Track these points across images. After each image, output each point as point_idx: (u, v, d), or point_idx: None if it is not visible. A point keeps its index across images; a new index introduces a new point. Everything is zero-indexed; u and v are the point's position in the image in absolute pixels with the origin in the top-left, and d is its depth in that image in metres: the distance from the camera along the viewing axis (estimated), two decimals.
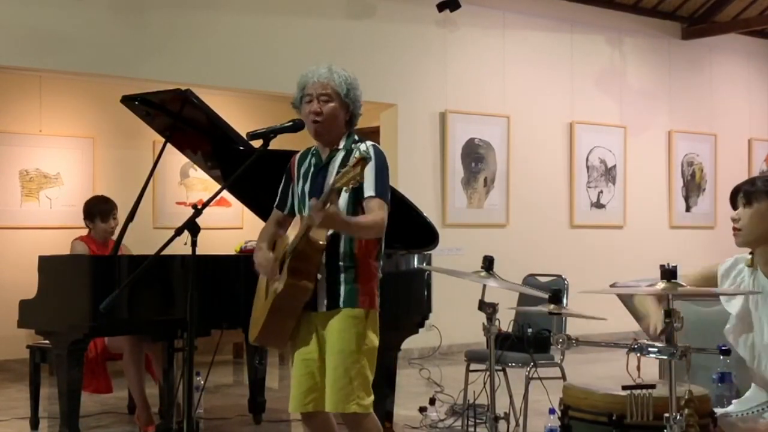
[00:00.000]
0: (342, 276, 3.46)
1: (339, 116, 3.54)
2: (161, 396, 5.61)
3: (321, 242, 3.42)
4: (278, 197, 3.77)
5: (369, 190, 3.42)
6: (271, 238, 3.70)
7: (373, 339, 3.50)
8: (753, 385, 3.24)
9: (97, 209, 5.88)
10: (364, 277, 3.48)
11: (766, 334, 3.13)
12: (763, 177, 3.25)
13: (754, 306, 3.17)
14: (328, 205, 3.19)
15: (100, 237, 5.89)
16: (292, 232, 3.56)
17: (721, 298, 3.27)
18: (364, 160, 3.09)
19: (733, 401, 3.23)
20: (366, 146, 3.46)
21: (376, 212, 3.41)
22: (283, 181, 3.77)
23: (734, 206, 3.24)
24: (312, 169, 3.61)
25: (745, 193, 3.19)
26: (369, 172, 3.37)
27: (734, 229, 3.21)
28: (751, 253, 3.24)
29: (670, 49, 11.55)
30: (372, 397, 3.50)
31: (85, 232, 6.02)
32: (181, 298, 4.79)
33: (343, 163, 3.43)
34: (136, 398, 5.61)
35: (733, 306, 3.23)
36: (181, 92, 4.82)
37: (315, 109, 3.52)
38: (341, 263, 3.46)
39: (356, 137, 3.60)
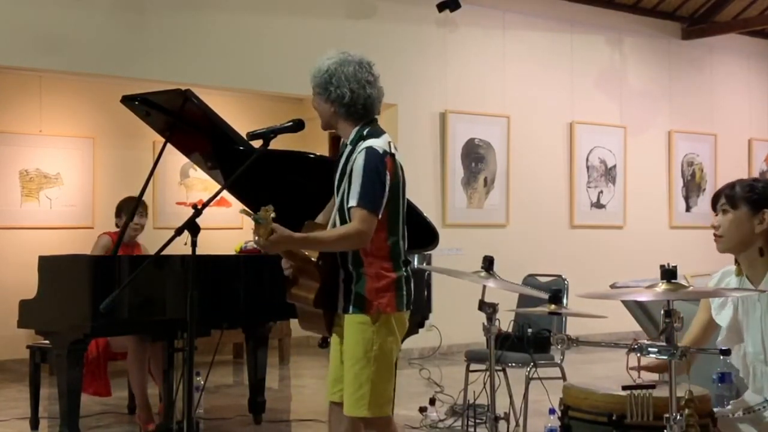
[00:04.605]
0: (352, 280, 3.40)
1: (325, 109, 3.46)
2: (161, 396, 5.61)
3: (306, 253, 3.42)
4: None
5: (352, 199, 3.30)
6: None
7: (384, 344, 3.38)
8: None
9: (124, 205, 5.95)
10: (373, 280, 3.38)
11: (753, 344, 3.12)
12: (743, 182, 3.24)
13: (744, 314, 3.16)
14: (273, 233, 3.13)
15: (126, 235, 5.91)
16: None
17: (712, 311, 3.26)
18: (257, 222, 3.07)
19: (733, 401, 3.23)
20: (362, 148, 3.35)
21: (351, 223, 3.31)
22: None
23: (715, 210, 3.26)
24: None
25: (726, 198, 3.21)
26: (355, 179, 3.31)
27: (715, 235, 3.23)
28: (736, 262, 3.22)
29: (670, 49, 11.55)
30: (389, 401, 3.45)
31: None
32: (181, 298, 4.78)
33: (347, 161, 3.41)
34: (138, 397, 5.62)
35: (723, 318, 3.21)
36: (181, 92, 4.81)
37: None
38: (350, 267, 3.40)
39: (364, 132, 3.41)
